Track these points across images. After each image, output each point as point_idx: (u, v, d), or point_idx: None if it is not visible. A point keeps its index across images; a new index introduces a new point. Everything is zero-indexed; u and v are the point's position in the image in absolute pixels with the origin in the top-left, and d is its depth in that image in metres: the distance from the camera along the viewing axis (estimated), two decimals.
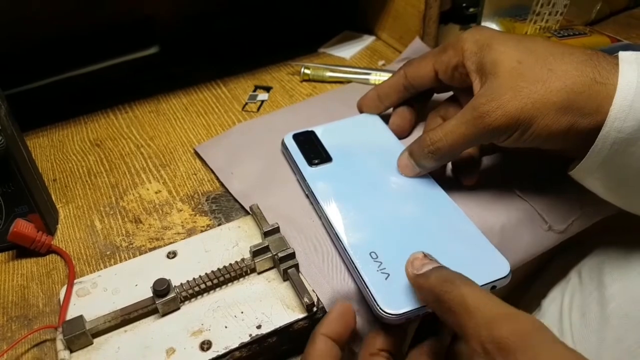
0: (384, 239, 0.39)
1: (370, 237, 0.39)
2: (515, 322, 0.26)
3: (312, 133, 0.50)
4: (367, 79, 0.63)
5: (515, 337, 0.26)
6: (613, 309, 0.45)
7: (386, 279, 0.36)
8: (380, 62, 0.67)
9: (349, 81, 0.64)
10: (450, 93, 0.49)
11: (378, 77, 0.62)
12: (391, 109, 0.52)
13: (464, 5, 0.68)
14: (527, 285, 0.56)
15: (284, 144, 0.49)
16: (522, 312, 0.27)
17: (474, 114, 0.38)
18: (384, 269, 0.37)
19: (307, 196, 0.45)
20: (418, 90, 0.49)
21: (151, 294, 0.38)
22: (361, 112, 0.54)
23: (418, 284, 0.32)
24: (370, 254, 0.38)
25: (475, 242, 0.39)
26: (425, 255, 0.33)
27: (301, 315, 0.38)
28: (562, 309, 0.49)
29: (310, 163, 0.46)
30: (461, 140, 0.40)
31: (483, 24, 0.67)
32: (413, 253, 0.33)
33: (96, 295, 0.40)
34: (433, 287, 0.30)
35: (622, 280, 0.46)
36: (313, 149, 0.48)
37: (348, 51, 0.70)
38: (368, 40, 0.72)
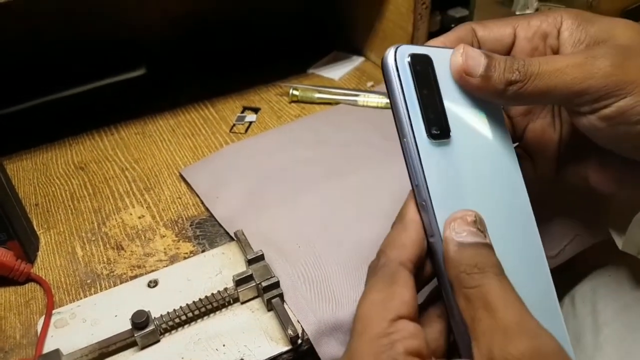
0: None
1: None
2: (536, 340, 0.24)
3: (429, 63, 0.30)
4: (356, 101, 0.62)
5: (531, 357, 0.23)
6: (607, 335, 0.44)
7: None
8: (369, 84, 0.67)
9: (337, 102, 0.63)
10: None
11: (366, 99, 0.62)
12: None
13: (453, 25, 0.68)
14: None
15: (392, 66, 0.29)
16: (546, 331, 0.25)
17: (587, 57, 0.30)
18: None
19: (410, 179, 0.29)
20: None
21: (130, 326, 0.37)
22: None
23: (448, 250, 0.27)
24: None
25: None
26: (475, 221, 0.28)
27: (285, 348, 0.36)
28: None
29: (430, 131, 0.29)
30: (559, 79, 0.29)
31: None
32: (462, 210, 0.28)
33: (74, 326, 0.39)
34: (459, 264, 0.26)
35: (616, 306, 0.45)
36: (431, 103, 0.29)
37: (337, 72, 0.69)
38: (357, 61, 0.72)
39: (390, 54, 0.29)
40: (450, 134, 0.29)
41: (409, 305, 0.27)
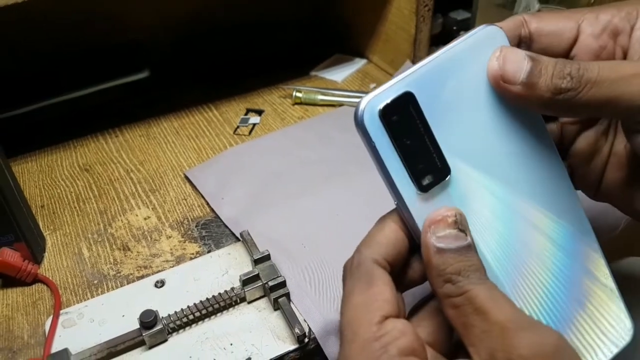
0: None
1: None
2: (536, 334, 0.23)
3: (410, 101, 0.26)
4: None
5: (535, 352, 0.22)
6: None
7: None
8: (372, 85, 0.67)
9: (340, 104, 0.63)
10: None
11: None
12: None
13: (455, 28, 0.68)
14: None
15: (362, 128, 0.25)
16: (543, 324, 0.24)
17: None
18: None
19: (408, 228, 0.27)
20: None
21: (138, 325, 0.37)
22: None
23: (428, 256, 0.25)
24: None
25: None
26: (456, 221, 0.25)
27: (292, 347, 0.37)
28: None
29: (419, 183, 0.26)
30: (622, 90, 0.25)
31: None
32: (443, 208, 0.26)
33: (82, 326, 0.39)
34: (443, 273, 0.25)
35: None
36: (419, 150, 0.26)
37: (340, 74, 0.70)
38: (359, 63, 0.72)
39: (358, 115, 0.25)
40: (450, 169, 0.26)
41: (391, 304, 0.26)
